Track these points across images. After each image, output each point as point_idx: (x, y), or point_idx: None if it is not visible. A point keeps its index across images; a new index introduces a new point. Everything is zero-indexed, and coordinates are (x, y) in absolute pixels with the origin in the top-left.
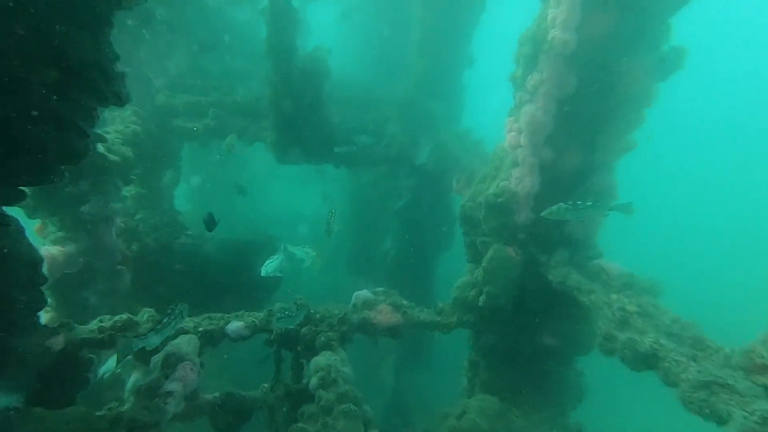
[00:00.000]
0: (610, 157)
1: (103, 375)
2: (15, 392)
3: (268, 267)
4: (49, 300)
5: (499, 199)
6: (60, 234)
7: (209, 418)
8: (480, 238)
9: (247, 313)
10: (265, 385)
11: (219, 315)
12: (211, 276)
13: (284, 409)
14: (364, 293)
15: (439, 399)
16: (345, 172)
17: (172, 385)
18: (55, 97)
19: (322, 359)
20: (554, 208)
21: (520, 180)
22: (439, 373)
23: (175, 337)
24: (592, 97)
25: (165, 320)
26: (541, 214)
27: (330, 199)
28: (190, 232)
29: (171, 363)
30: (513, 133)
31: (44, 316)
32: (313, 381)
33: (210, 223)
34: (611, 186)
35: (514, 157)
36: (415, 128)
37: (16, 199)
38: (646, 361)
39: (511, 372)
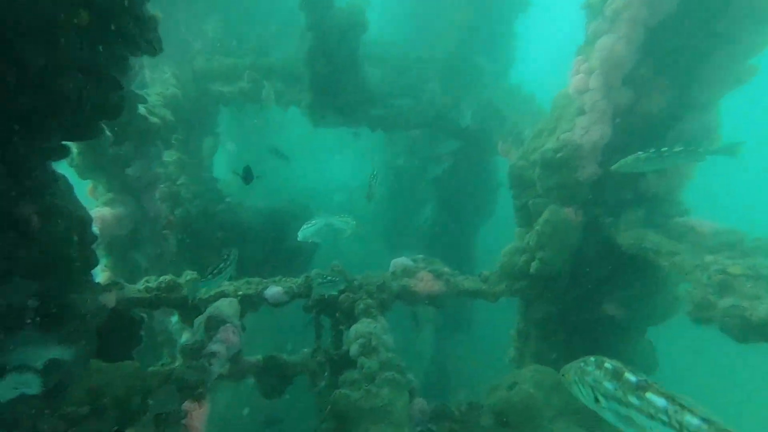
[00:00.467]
0: (714, 93)
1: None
2: (73, 346)
3: (306, 231)
4: (104, 260)
5: (559, 155)
6: (109, 196)
7: (255, 380)
8: (533, 200)
9: (285, 278)
10: (306, 350)
11: (257, 280)
12: (250, 244)
13: (325, 374)
14: (402, 260)
15: (481, 369)
16: (381, 137)
17: (215, 347)
18: (87, 45)
19: (361, 326)
20: (629, 159)
21: (587, 130)
22: (481, 341)
23: (216, 299)
24: (700, 14)
25: (221, 265)
26: (612, 168)
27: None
28: (228, 200)
29: (213, 325)
30: (581, 75)
31: (101, 275)
32: (354, 348)
33: (247, 176)
34: (711, 127)
35: (581, 103)
36: (457, 87)
37: (60, 155)
38: (760, 331)
39: (568, 343)
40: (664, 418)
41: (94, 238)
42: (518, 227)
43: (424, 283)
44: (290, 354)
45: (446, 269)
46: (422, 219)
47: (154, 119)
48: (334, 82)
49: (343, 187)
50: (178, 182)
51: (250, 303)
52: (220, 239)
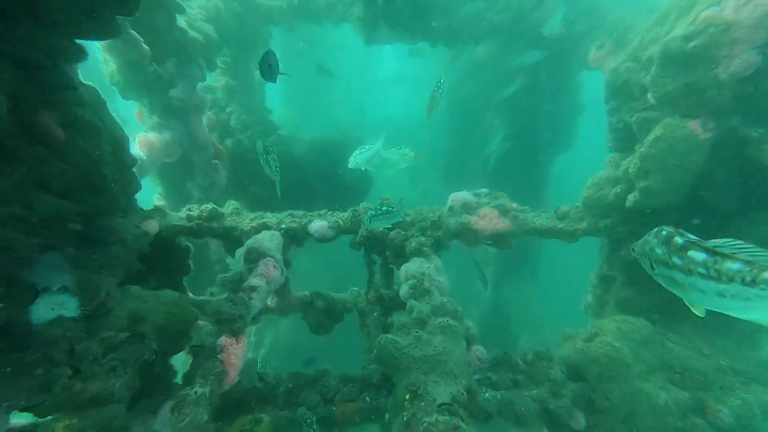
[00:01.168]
0: None
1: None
2: (114, 270)
3: (358, 158)
4: (159, 189)
5: (693, 43)
6: (154, 119)
7: (302, 314)
8: (638, 114)
9: (330, 212)
10: (355, 288)
11: (302, 213)
12: (302, 178)
13: (375, 314)
14: (463, 194)
15: (548, 316)
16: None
17: (254, 280)
18: None
19: (413, 266)
20: None
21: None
22: (547, 284)
23: (258, 231)
24: None
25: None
26: None
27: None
28: (281, 132)
29: (253, 258)
30: None
31: (156, 204)
32: (404, 289)
33: (268, 69)
34: None
35: None
36: None
37: (75, 56)
38: None
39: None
40: (703, 270)
41: (133, 160)
42: (612, 152)
43: (487, 220)
44: (340, 291)
45: (513, 205)
46: (488, 151)
47: (194, 34)
48: None
49: (401, 119)
50: (227, 110)
51: (293, 237)
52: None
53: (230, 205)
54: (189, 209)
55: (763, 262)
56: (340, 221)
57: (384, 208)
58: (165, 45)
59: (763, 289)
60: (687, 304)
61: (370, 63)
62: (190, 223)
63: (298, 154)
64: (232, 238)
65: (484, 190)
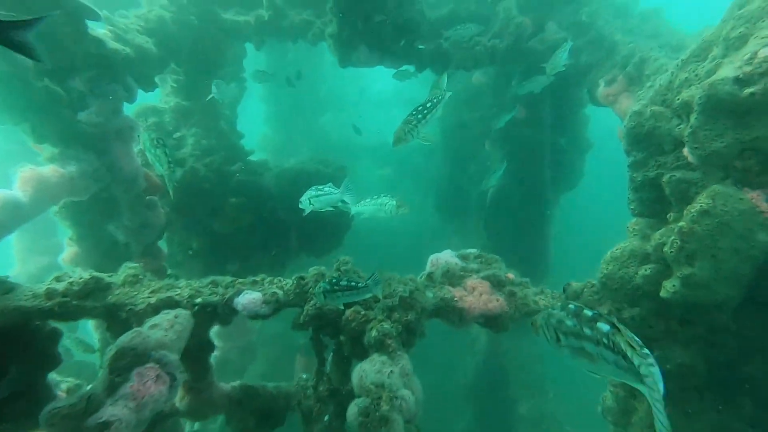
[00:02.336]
0: None
1: None
2: None
3: (313, 200)
4: (69, 232)
5: (751, 89)
6: (53, 150)
7: (226, 418)
8: (672, 174)
9: (269, 278)
10: (303, 376)
11: (228, 280)
12: (272, 210)
13: (326, 418)
14: (445, 256)
15: (552, 378)
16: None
17: (113, 410)
18: None
19: (370, 371)
20: None
21: None
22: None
23: (155, 310)
24: None
25: None
26: None
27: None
28: (253, 158)
29: (124, 365)
30: None
31: (67, 250)
32: (352, 412)
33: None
34: None
35: None
36: (542, 3)
37: None
38: None
39: (718, 412)
40: (606, 341)
41: None
42: (636, 216)
43: (476, 296)
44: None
45: (510, 275)
46: (486, 185)
47: (115, 46)
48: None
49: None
50: (175, 135)
51: (211, 316)
52: (234, 206)
53: (126, 271)
54: (57, 279)
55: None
56: (280, 293)
57: (344, 282)
58: (69, 57)
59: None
60: (588, 372)
61: (366, 83)
62: (50, 303)
63: (267, 184)
64: (118, 322)
65: (473, 251)
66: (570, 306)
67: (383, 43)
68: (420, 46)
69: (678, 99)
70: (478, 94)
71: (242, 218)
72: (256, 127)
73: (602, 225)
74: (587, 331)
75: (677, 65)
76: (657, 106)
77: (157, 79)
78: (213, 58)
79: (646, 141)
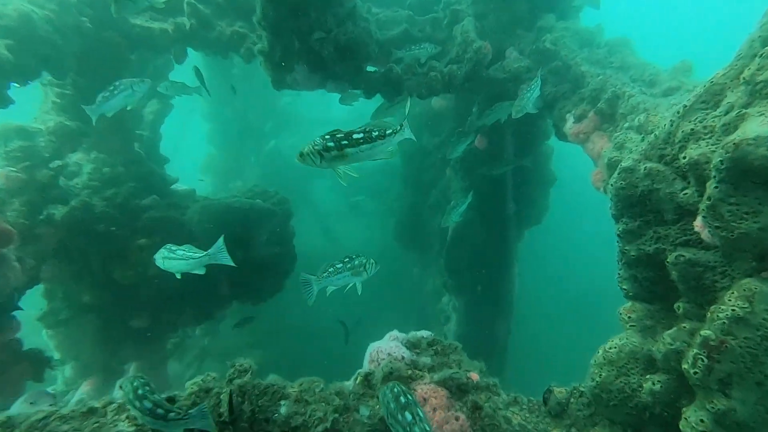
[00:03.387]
0: None
1: None
2: None
3: (171, 263)
4: None
5: None
6: None
7: None
8: (680, 254)
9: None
10: None
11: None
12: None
13: None
14: (390, 347)
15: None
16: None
17: None
18: None
19: None
20: None
21: None
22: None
23: None
24: None
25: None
26: None
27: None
28: (177, 187)
29: None
30: None
31: None
32: None
33: None
34: None
35: None
36: (503, 24)
37: None
38: None
39: None
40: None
41: None
42: (630, 298)
43: (429, 413)
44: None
45: (473, 375)
46: (446, 222)
47: None
48: (306, 12)
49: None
50: (52, 165)
51: None
52: (141, 249)
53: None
54: None
55: None
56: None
57: (147, 404)
58: None
59: None
60: None
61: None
62: None
63: (191, 222)
64: None
65: (425, 335)
66: (395, 389)
67: (324, 63)
68: (369, 69)
69: (684, 157)
70: (438, 117)
71: (153, 264)
72: (200, 146)
73: (569, 260)
74: (400, 416)
75: (678, 113)
76: (653, 162)
77: (20, 92)
78: (117, 69)
79: (641, 206)
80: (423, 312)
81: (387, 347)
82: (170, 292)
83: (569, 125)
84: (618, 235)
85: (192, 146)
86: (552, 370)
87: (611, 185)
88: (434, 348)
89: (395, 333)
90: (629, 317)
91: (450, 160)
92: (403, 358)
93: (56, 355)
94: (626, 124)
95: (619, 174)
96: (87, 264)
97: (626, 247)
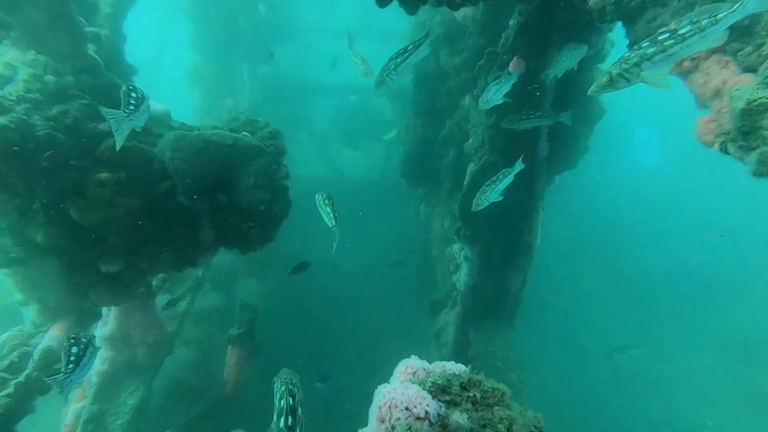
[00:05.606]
0: None
1: None
2: None
3: None
4: None
5: None
6: None
7: None
8: None
9: None
10: None
11: None
12: (170, 194)
13: None
14: (406, 394)
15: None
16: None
17: None
18: None
19: None
20: None
21: None
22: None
23: None
24: None
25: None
26: None
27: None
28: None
29: None
30: None
31: None
32: None
33: None
34: None
35: None
36: None
37: None
38: None
39: None
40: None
41: None
42: None
43: None
44: None
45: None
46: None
47: None
48: None
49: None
50: None
51: None
52: (104, 183)
53: None
54: None
55: None
56: None
57: None
58: None
59: None
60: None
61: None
62: None
63: (162, 156)
64: None
65: (456, 369)
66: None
67: None
68: None
69: None
70: (460, 32)
71: (120, 203)
72: (182, 51)
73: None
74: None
75: None
76: None
77: None
78: None
79: None
80: (428, 256)
81: (404, 397)
82: (143, 236)
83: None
84: None
85: (177, 54)
86: (564, 325)
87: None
88: (471, 394)
89: (412, 363)
90: None
91: (474, 82)
92: (427, 415)
93: (17, 296)
94: None
95: None
96: (34, 199)
97: None
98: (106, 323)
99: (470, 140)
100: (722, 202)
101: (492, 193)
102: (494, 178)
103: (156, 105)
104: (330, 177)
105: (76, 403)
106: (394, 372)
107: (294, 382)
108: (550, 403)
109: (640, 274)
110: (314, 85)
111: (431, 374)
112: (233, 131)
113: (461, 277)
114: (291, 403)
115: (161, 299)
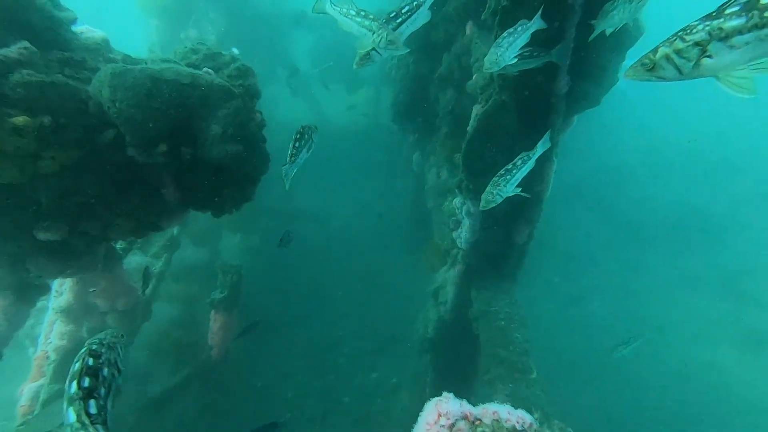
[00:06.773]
0: None
1: None
2: None
3: None
4: None
5: None
6: None
7: None
8: None
9: None
10: None
11: None
12: (117, 146)
13: None
14: None
15: (536, 345)
16: None
17: None
18: None
19: None
20: None
21: None
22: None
23: None
24: None
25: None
26: None
27: None
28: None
29: None
30: None
31: None
32: None
33: None
34: None
35: None
36: None
37: None
38: None
39: None
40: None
41: None
42: None
43: None
44: None
45: None
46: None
47: None
48: None
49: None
50: None
51: None
52: (20, 131)
53: None
54: None
55: None
56: None
57: None
58: None
59: None
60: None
61: None
62: None
63: (99, 96)
64: None
65: (515, 417)
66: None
67: None
68: None
69: None
70: None
71: (47, 156)
72: None
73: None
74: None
75: None
76: None
77: None
78: None
79: None
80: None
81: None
82: (88, 197)
83: None
84: None
85: None
86: (568, 278)
87: None
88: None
89: (448, 409)
90: None
91: (477, 10)
92: None
93: None
94: None
95: None
96: None
97: None
98: (61, 293)
99: (474, 78)
100: (720, 140)
101: (507, 186)
102: (509, 166)
103: (92, 32)
104: (312, 122)
105: (32, 382)
106: (420, 419)
107: (105, 341)
108: (545, 347)
109: (639, 213)
110: (293, 13)
111: (478, 427)
112: (192, 67)
113: (462, 234)
114: (91, 363)
115: (134, 259)
